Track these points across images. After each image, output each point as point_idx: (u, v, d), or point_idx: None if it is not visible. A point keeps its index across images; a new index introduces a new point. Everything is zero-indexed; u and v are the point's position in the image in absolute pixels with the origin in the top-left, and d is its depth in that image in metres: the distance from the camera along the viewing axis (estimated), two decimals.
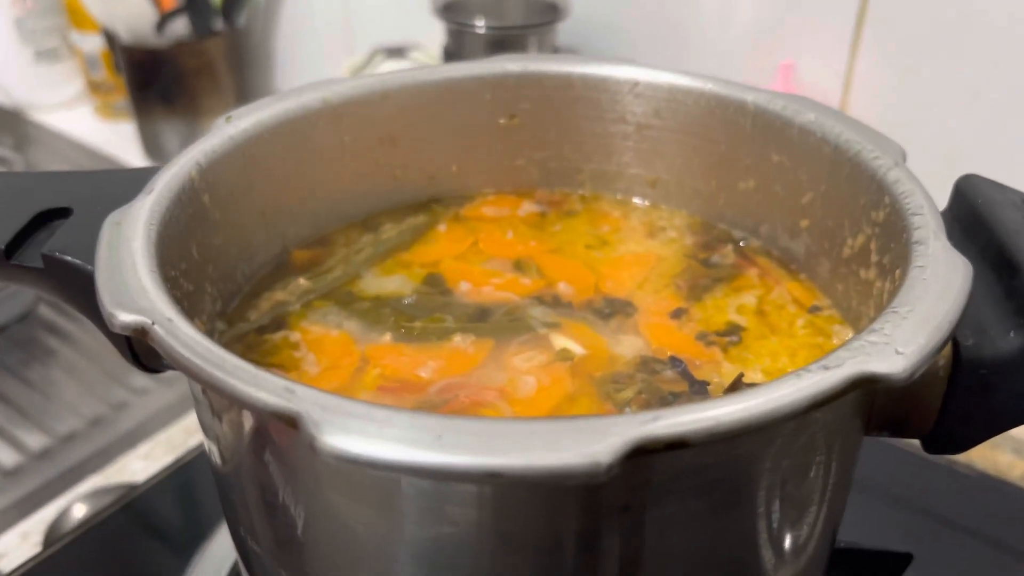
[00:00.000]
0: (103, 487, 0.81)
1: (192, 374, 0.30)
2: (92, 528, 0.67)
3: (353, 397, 0.28)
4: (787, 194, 0.49)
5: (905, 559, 0.52)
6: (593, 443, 0.26)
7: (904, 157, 0.42)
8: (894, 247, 0.39)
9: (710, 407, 0.27)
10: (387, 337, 0.45)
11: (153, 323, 0.32)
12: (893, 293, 0.36)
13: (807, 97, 0.48)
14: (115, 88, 1.43)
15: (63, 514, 0.77)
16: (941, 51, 0.80)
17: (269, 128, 0.48)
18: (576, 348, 0.44)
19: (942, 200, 0.41)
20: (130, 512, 0.70)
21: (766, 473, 0.32)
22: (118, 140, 1.41)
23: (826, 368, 0.29)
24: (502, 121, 0.56)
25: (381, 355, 0.44)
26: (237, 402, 0.29)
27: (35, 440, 0.96)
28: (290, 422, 0.27)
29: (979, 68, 0.79)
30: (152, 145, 1.35)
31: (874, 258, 0.42)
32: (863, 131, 0.44)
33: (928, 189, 0.42)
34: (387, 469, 0.26)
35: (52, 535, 0.75)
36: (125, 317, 0.32)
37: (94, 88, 1.45)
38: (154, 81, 1.28)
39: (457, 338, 0.45)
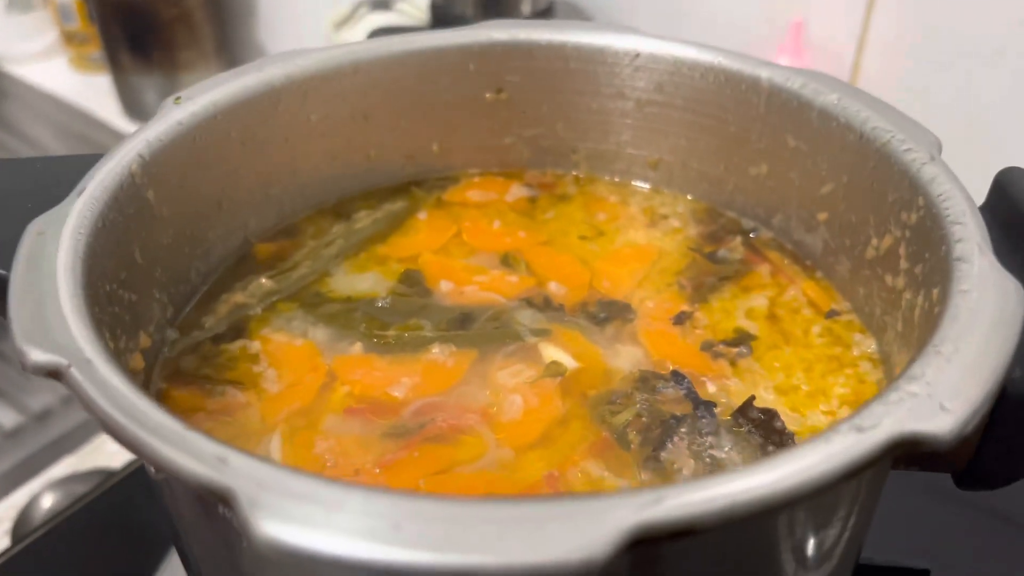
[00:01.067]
0: (77, 472, 0.78)
1: (110, 430, 0.25)
2: (65, 520, 0.64)
3: (299, 468, 0.23)
4: (804, 183, 0.44)
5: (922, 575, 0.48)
6: (585, 533, 0.22)
7: (940, 149, 0.37)
8: (929, 258, 0.34)
9: (723, 483, 0.23)
10: (357, 347, 0.41)
11: (69, 365, 0.27)
12: (932, 319, 0.31)
13: (830, 75, 0.42)
14: (90, 39, 1.36)
15: (34, 501, 0.74)
16: (963, 6, 0.74)
17: (224, 109, 0.43)
18: (568, 361, 0.40)
19: (964, 167, 0.37)
20: (105, 502, 0.66)
21: (784, 536, 0.28)
22: (94, 93, 1.34)
23: (860, 430, 0.24)
24: (488, 95, 0.50)
25: (350, 369, 0.40)
26: (161, 469, 0.24)
27: (8, 418, 0.92)
28: (222, 499, 0.23)
29: (1004, 24, 0.73)
30: (129, 99, 1.29)
31: (903, 265, 0.37)
32: (894, 118, 0.39)
33: (947, 153, 0.37)
34: (334, 566, 0.22)
35: (22, 525, 0.72)
36: (37, 356, 0.27)
37: (68, 39, 1.38)
38: (129, 32, 1.22)
39: (436, 349, 0.40)
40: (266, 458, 0.24)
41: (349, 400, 0.38)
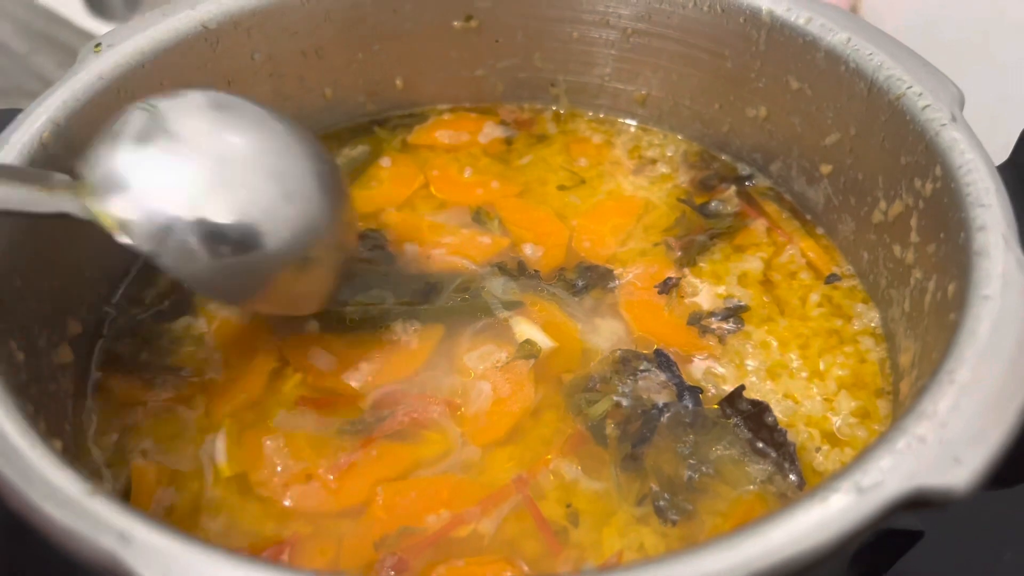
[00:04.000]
0: None
1: None
2: None
3: (214, 545, 0.20)
4: (807, 130, 0.40)
5: (916, 536, 0.46)
6: None
7: (962, 105, 0.33)
8: (945, 239, 0.30)
9: (698, 560, 0.20)
10: (312, 326, 0.37)
11: None
12: (948, 323, 0.28)
13: (841, 9, 0.37)
14: None
15: None
16: None
17: (152, 56, 0.38)
18: (542, 339, 0.36)
19: (969, 64, 0.32)
20: None
21: None
22: None
23: (860, 490, 0.21)
24: (456, 23, 0.45)
25: (303, 351, 0.36)
26: (56, 543, 0.21)
27: None
28: None
29: None
30: None
31: (914, 238, 0.33)
32: (911, 65, 0.34)
33: (960, 62, 0.33)
34: None
35: None
36: None
37: None
38: None
39: (398, 327, 0.37)
40: (176, 532, 0.21)
41: (302, 389, 0.35)
